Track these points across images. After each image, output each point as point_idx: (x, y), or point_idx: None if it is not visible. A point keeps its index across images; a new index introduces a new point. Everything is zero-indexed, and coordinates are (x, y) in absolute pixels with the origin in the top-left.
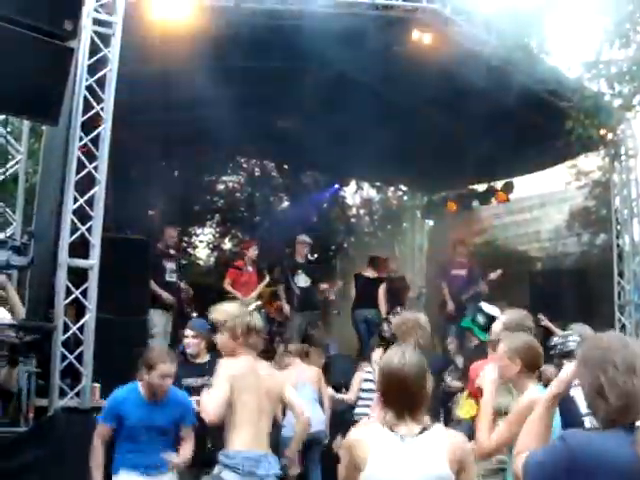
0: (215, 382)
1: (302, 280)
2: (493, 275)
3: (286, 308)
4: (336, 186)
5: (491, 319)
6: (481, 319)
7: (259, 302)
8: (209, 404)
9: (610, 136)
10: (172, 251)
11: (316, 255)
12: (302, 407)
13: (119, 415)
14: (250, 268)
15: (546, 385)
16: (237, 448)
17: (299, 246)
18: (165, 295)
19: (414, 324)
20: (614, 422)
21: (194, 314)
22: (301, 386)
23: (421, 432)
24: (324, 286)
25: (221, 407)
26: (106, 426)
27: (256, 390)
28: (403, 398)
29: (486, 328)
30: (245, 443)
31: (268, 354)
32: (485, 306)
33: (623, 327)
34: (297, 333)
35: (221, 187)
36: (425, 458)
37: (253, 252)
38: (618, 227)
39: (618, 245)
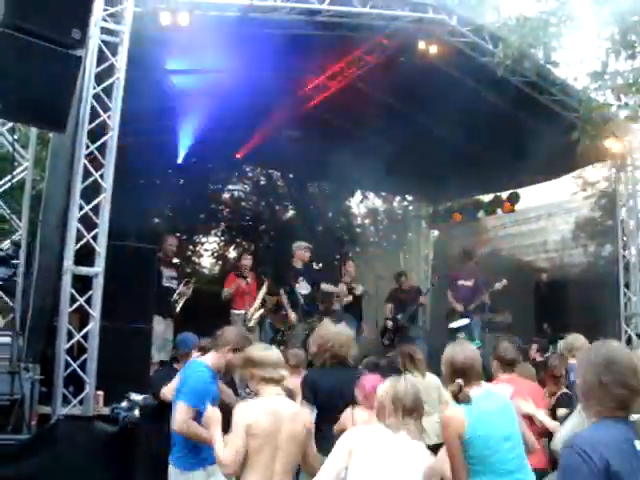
0: (232, 429)
1: (304, 287)
2: (498, 285)
3: (291, 316)
4: None
5: (465, 327)
6: (461, 335)
7: (262, 311)
8: (227, 457)
9: (616, 147)
10: (172, 259)
11: (321, 264)
12: (318, 464)
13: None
14: (249, 277)
15: None
16: None
17: (298, 252)
18: None
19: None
20: (611, 413)
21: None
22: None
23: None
24: (329, 287)
25: (239, 460)
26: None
27: (275, 433)
28: None
29: (469, 339)
30: None
31: None
32: (453, 325)
33: (629, 339)
34: (300, 341)
35: (227, 196)
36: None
37: (245, 260)
38: (624, 238)
39: (624, 256)
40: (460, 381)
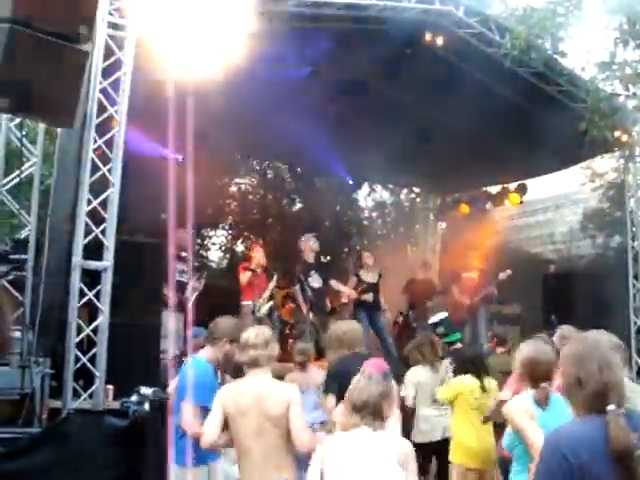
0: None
1: (315, 281)
2: (502, 275)
3: (304, 310)
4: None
5: (443, 321)
6: (440, 329)
7: (271, 302)
8: (204, 430)
9: (625, 137)
10: (183, 253)
11: (329, 257)
12: (303, 437)
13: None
14: (259, 270)
15: None
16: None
17: (306, 245)
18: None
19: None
20: (589, 409)
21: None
22: (305, 389)
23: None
24: (341, 287)
25: (213, 433)
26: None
27: (253, 412)
28: None
29: (447, 332)
30: (246, 471)
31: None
32: (432, 319)
33: (639, 330)
34: (310, 334)
35: (234, 189)
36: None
37: (257, 254)
38: (633, 229)
39: (633, 247)
40: (546, 385)
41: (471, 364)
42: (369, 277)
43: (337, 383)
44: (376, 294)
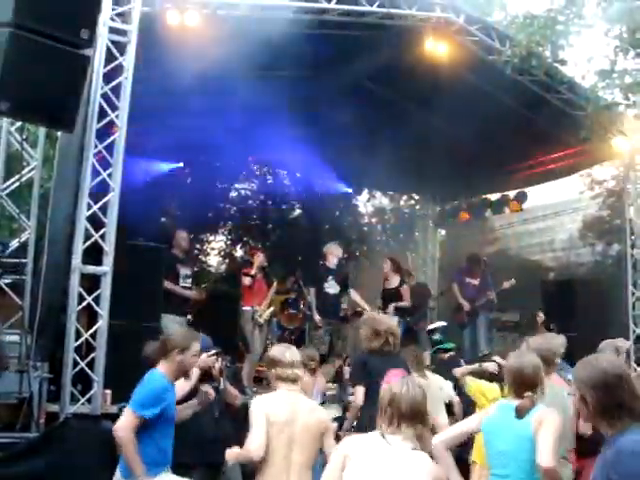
0: (252, 420)
1: (332, 287)
2: (507, 284)
3: (316, 317)
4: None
5: (439, 329)
6: (436, 337)
7: (272, 308)
8: (251, 443)
9: (624, 146)
10: (185, 255)
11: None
12: None
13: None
14: (259, 276)
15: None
16: None
17: (330, 250)
18: (187, 293)
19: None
20: (632, 424)
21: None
22: (311, 395)
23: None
24: (358, 298)
25: (264, 444)
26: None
27: (290, 422)
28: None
29: (443, 339)
30: (271, 476)
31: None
32: (430, 326)
33: (638, 338)
34: (321, 341)
35: (234, 194)
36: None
37: (259, 259)
38: (632, 237)
39: (632, 255)
40: (530, 394)
41: (495, 374)
42: (389, 284)
43: (365, 375)
44: (395, 301)
